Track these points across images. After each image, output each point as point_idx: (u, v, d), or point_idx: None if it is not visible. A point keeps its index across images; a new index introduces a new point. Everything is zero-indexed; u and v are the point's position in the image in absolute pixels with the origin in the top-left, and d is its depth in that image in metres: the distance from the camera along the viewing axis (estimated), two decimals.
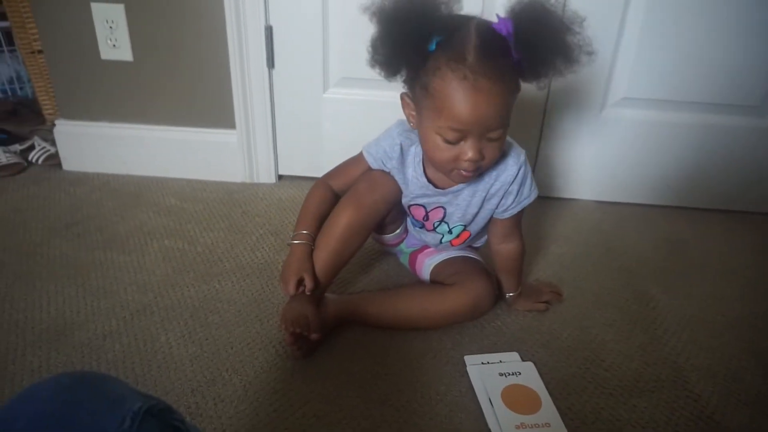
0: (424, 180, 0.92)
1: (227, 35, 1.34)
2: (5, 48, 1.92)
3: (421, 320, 0.95)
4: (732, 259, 1.25)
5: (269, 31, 1.34)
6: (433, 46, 0.73)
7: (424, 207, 0.97)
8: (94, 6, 1.35)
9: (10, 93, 2.02)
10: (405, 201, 0.98)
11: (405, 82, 0.82)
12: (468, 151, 0.77)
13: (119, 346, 0.89)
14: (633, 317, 1.02)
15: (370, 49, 0.76)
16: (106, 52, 1.40)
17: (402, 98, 0.84)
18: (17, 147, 1.60)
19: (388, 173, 0.96)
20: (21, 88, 2.04)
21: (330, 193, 0.97)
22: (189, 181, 1.50)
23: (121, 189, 1.45)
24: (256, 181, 1.51)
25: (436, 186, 0.92)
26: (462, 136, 0.76)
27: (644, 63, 1.31)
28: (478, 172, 0.84)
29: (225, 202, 1.40)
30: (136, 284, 1.05)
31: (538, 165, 1.45)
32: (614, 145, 1.41)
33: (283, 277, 0.90)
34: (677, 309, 1.05)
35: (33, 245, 1.17)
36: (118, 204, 1.37)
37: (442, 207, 0.96)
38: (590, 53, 0.73)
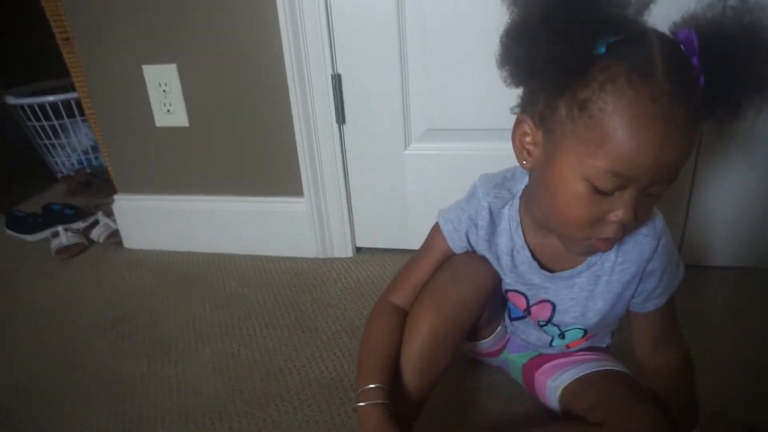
0: (527, 253, 0.66)
1: (288, 89, 1.13)
2: (77, 117, 1.86)
3: None
4: None
5: (337, 80, 1.11)
6: (603, 49, 0.49)
7: (525, 296, 0.69)
8: (146, 68, 1.21)
9: (85, 163, 1.96)
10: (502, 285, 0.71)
11: (531, 100, 0.56)
12: (620, 208, 0.52)
13: None
14: None
15: (505, 39, 0.52)
16: (161, 119, 1.25)
17: (520, 122, 0.57)
18: (80, 225, 1.48)
19: (478, 255, 0.70)
20: (96, 158, 1.97)
21: (395, 316, 0.71)
22: (255, 259, 1.29)
23: (180, 272, 1.26)
24: (329, 255, 1.27)
25: (541, 264, 0.66)
26: (622, 186, 0.51)
27: None
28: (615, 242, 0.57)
29: (292, 286, 1.17)
30: (176, 411, 0.84)
31: (688, 228, 1.10)
32: None
33: None
34: None
35: (74, 350, 1.00)
36: (173, 292, 1.17)
37: (550, 301, 0.68)
38: None
